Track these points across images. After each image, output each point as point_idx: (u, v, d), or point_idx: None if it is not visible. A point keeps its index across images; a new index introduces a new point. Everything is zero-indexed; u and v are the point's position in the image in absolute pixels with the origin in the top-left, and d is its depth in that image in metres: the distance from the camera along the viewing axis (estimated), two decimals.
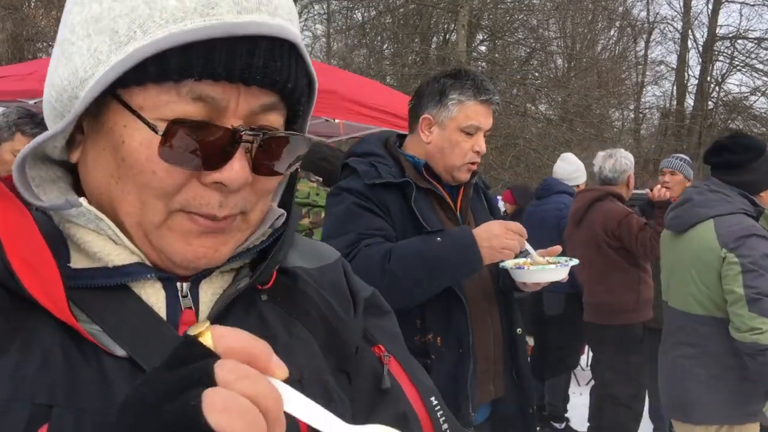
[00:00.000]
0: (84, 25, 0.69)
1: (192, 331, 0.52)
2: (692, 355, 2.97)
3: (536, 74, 18.84)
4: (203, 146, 0.68)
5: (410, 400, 0.86)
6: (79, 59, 0.68)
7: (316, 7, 19.35)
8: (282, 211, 0.84)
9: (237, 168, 0.69)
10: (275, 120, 0.73)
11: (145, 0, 0.66)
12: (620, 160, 4.53)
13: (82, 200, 0.72)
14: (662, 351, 3.21)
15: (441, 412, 0.88)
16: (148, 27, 0.65)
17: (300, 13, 19.28)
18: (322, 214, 2.93)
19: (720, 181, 2.98)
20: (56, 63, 0.72)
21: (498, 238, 2.02)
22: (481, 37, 18.53)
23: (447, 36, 18.62)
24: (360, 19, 19.02)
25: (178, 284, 0.75)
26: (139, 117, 0.67)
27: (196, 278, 0.77)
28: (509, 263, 2.15)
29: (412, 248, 2.02)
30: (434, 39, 19.06)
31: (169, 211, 0.71)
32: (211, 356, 0.51)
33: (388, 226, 2.12)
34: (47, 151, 0.75)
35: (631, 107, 23.55)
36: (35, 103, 5.85)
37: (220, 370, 0.50)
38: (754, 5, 21.88)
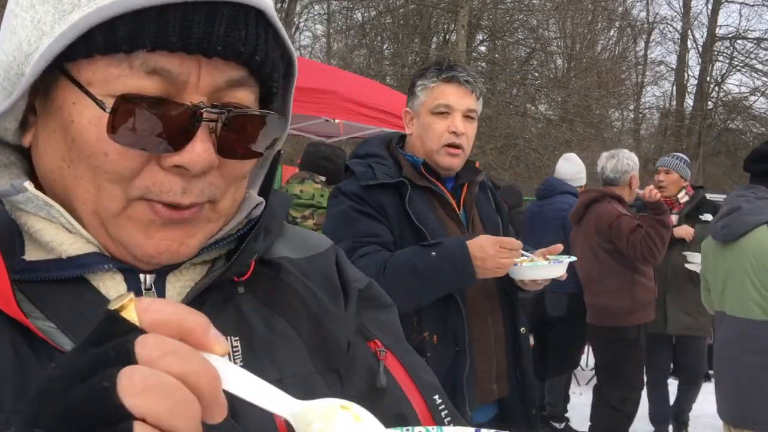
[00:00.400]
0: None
1: (113, 305, 0.45)
2: (761, 363, 3.01)
3: (536, 74, 18.84)
4: (159, 125, 0.61)
5: (410, 399, 0.80)
6: (23, 32, 0.62)
7: (316, 7, 19.36)
8: (260, 199, 0.77)
9: (199, 150, 0.62)
10: (244, 97, 0.66)
11: None
12: (622, 161, 4.50)
13: (27, 185, 0.65)
14: (725, 361, 3.24)
15: (446, 411, 0.81)
16: None
17: (300, 14, 19.28)
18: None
19: (766, 187, 3.11)
20: (1, 38, 0.66)
21: (492, 259, 2.01)
22: (481, 37, 18.53)
23: (447, 36, 18.61)
24: (360, 19, 19.02)
25: (141, 276, 0.69)
26: (87, 93, 0.61)
27: (162, 270, 0.70)
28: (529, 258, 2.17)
29: (406, 261, 2.02)
30: (434, 39, 19.05)
31: (128, 199, 0.64)
32: (133, 331, 0.44)
33: (385, 229, 2.11)
34: None
35: (631, 107, 23.55)
36: None
37: (142, 346, 0.42)
38: (753, 5, 21.90)
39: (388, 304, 0.91)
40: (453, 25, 17.08)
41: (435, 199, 2.22)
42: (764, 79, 21.58)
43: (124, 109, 0.60)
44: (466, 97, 2.18)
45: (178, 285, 0.71)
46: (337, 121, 5.49)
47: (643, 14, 23.50)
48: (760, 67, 21.45)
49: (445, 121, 2.16)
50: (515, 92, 18.02)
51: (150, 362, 0.42)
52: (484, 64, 18.12)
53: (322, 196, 2.98)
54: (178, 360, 0.43)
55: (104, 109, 0.60)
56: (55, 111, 0.63)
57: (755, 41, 21.47)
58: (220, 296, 0.72)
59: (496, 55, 18.27)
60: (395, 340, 0.86)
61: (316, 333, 0.76)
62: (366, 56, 18.54)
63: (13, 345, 0.60)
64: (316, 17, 19.90)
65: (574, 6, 18.76)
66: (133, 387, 0.41)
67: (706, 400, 6.48)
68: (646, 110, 24.60)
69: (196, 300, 0.69)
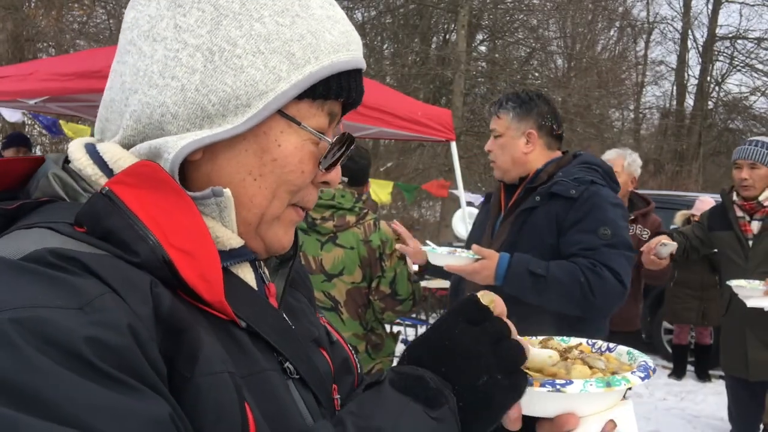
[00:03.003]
0: (250, 41, 0.75)
1: (485, 302, 0.78)
2: None
3: (536, 74, 18.82)
4: (338, 153, 0.83)
5: (344, 347, 1.01)
6: (257, 73, 0.75)
7: None
8: None
9: (339, 171, 0.85)
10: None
11: (310, 31, 0.77)
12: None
13: (227, 191, 0.77)
14: None
15: (356, 355, 1.06)
16: (319, 54, 0.78)
17: None
18: (347, 217, 2.80)
19: None
20: (210, 70, 0.75)
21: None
22: (481, 37, 18.52)
23: (447, 36, 18.60)
24: (360, 19, 19.01)
25: (257, 263, 0.87)
26: (305, 128, 0.79)
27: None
28: (429, 246, 2.57)
29: None
30: (434, 39, 19.04)
31: (287, 205, 0.82)
32: (495, 317, 0.78)
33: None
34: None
35: (631, 107, 23.53)
36: (35, 102, 5.84)
37: (509, 325, 0.77)
38: (753, 5, 21.87)
39: None
40: (453, 25, 17.07)
41: (500, 202, 2.71)
42: (764, 78, 21.57)
43: (336, 142, 0.82)
44: (492, 121, 2.66)
45: (269, 270, 0.91)
46: None
47: (644, 14, 23.50)
48: (760, 66, 21.42)
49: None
50: None
51: (514, 335, 0.78)
52: (484, 64, 18.11)
53: (343, 196, 2.81)
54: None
55: (328, 142, 0.82)
56: (255, 136, 0.78)
57: (755, 41, 21.43)
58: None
59: (496, 55, 18.26)
60: (317, 309, 1.06)
61: (310, 302, 1.00)
62: (366, 56, 18.51)
63: (208, 324, 0.71)
64: None
65: (575, 6, 18.74)
66: (524, 348, 0.77)
67: (705, 401, 6.48)
68: (647, 110, 24.60)
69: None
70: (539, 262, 2.30)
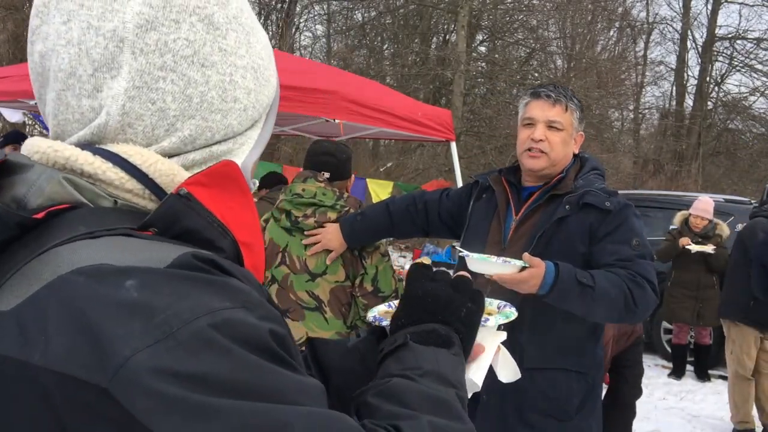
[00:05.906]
0: (266, 51, 0.84)
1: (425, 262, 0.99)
2: None
3: (536, 74, 18.83)
4: None
5: None
6: (274, 79, 0.85)
7: (317, 7, 19.37)
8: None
9: None
10: None
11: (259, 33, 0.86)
12: None
13: (257, 183, 0.87)
14: None
15: None
16: None
17: (300, 14, 19.29)
18: (328, 214, 2.77)
19: None
20: (258, 87, 0.81)
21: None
22: (480, 38, 18.53)
23: (447, 36, 18.63)
24: (360, 19, 19.04)
25: None
26: None
27: None
28: (465, 252, 2.30)
29: None
30: (434, 39, 19.07)
31: None
32: (437, 270, 0.98)
33: (447, 205, 2.68)
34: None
35: (631, 107, 23.54)
36: (35, 103, 5.86)
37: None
38: (753, 6, 21.92)
39: None
40: (453, 26, 17.09)
41: (496, 203, 2.53)
42: (764, 79, 21.60)
43: None
44: (548, 109, 2.45)
45: None
46: (337, 121, 5.49)
47: (643, 14, 23.54)
48: (759, 67, 21.45)
49: (528, 131, 2.46)
50: (515, 92, 18.03)
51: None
52: (484, 64, 18.14)
53: (324, 194, 2.78)
54: None
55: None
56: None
57: (755, 41, 21.47)
58: None
59: (496, 55, 18.28)
60: None
61: None
62: (366, 56, 18.56)
63: None
64: (316, 17, 19.93)
65: (574, 6, 18.75)
66: (465, 275, 0.99)
67: (705, 400, 6.50)
68: (646, 110, 24.64)
69: None
70: (584, 273, 2.23)
